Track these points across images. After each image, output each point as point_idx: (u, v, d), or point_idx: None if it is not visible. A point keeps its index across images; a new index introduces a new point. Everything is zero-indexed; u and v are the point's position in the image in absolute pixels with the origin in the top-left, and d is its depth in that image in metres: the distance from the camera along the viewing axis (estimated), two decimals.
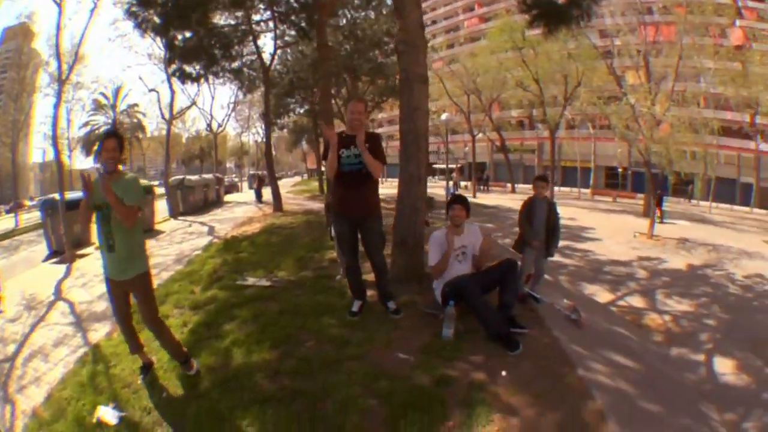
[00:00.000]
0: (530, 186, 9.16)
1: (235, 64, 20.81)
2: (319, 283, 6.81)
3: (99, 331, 6.20)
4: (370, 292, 5.66)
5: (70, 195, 13.44)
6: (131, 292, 4.16)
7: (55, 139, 14.34)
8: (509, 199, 31.03)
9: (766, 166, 39.02)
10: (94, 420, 3.96)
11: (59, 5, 12.74)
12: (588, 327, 5.59)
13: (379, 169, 4.81)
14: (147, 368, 4.47)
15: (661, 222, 21.57)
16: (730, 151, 39.66)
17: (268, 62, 20.07)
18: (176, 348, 4.38)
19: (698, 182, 41.86)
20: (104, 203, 3.77)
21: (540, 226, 6.38)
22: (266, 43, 49.07)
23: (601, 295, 9.23)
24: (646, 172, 25.38)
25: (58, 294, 8.88)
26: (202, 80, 20.66)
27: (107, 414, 3.98)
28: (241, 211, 18.19)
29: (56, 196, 13.75)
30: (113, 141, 3.85)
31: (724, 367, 6.10)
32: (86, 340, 6.09)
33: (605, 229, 19.19)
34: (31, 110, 36.24)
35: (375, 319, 5.12)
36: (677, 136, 21.08)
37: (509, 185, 44.48)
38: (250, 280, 7.03)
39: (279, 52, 21.73)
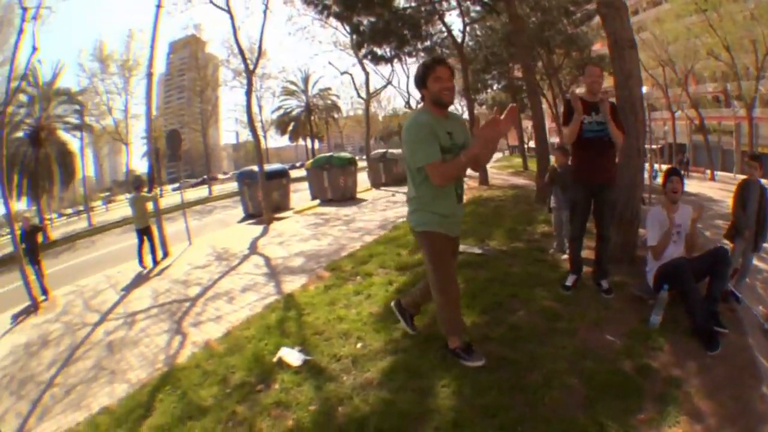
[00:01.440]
0: (730, 174, 7.73)
1: (426, 44, 20.55)
2: (531, 255, 6.45)
3: (293, 283, 6.37)
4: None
5: (268, 167, 14.95)
6: (454, 246, 3.65)
7: (251, 122, 15.40)
8: (708, 187, 27.57)
9: None
10: (274, 359, 3.98)
11: (230, 12, 13.93)
12: None
13: (621, 137, 4.55)
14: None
15: None
16: None
17: (459, 39, 19.58)
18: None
19: None
20: (455, 145, 3.16)
21: (751, 213, 5.44)
22: (453, 21, 49.03)
23: None
24: None
25: (253, 249, 9.52)
26: (395, 61, 20.84)
27: (290, 355, 3.96)
28: None
29: (254, 168, 15.69)
30: (446, 69, 3.12)
31: None
32: (278, 289, 6.30)
33: None
34: (218, 101, 40.62)
35: (586, 296, 4.75)
36: None
37: (708, 171, 39.17)
38: (461, 247, 6.82)
39: (468, 28, 21.20)
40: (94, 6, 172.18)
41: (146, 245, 10.30)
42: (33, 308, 9.33)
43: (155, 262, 10.24)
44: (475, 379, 3.20)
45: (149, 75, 12.22)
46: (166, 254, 11.05)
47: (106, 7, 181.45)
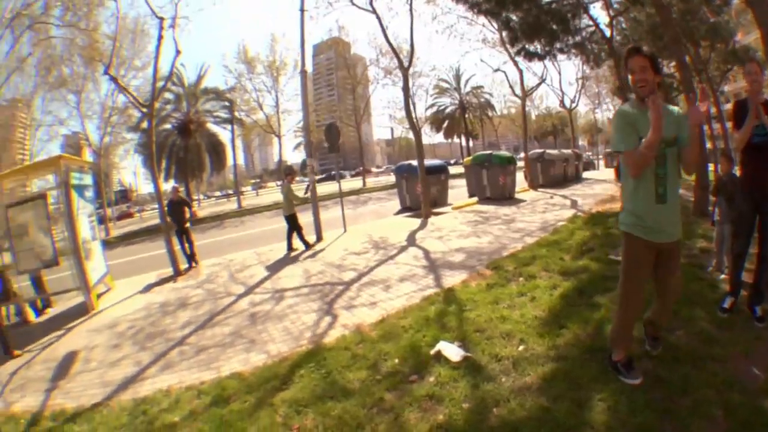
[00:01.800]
0: None
1: (576, 39, 19.49)
2: (690, 271, 5.86)
3: (453, 278, 6.30)
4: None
5: (427, 162, 15.01)
6: (663, 258, 3.14)
7: (410, 118, 15.46)
8: None
9: None
10: (432, 352, 3.93)
11: (375, 12, 14.19)
12: None
13: None
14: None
15: None
16: None
17: (607, 33, 18.25)
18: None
19: None
20: (671, 139, 2.89)
21: None
22: (599, 14, 46.20)
23: None
24: None
25: (411, 241, 9.59)
26: (548, 57, 19.88)
27: (449, 349, 3.88)
28: (600, 189, 17.27)
29: (413, 162, 15.88)
30: (641, 59, 2.86)
31: None
32: (438, 282, 6.25)
33: None
34: (369, 98, 41.91)
35: (741, 322, 4.31)
36: None
37: None
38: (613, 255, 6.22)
39: (614, 21, 19.70)
40: (236, 13, 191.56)
41: (296, 231, 10.69)
42: (174, 274, 10.20)
43: (307, 246, 10.63)
44: (631, 397, 3.04)
45: (303, 72, 12.85)
46: (319, 239, 11.46)
47: (248, 13, 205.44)
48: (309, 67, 37.95)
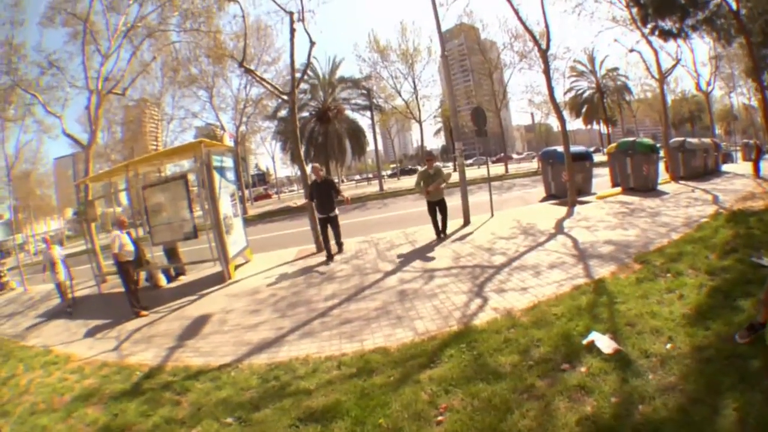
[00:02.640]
0: None
1: (705, 13, 17.66)
2: None
3: (602, 269, 6.20)
4: None
5: (573, 148, 14.28)
6: None
7: (553, 102, 15.01)
8: None
9: None
10: (585, 342, 3.93)
11: None
12: None
13: None
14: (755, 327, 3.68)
15: None
16: None
17: (733, 6, 16.19)
18: None
19: None
20: None
21: None
22: None
23: None
24: None
25: (558, 229, 9.46)
26: (681, 36, 18.31)
27: (601, 341, 3.88)
28: (740, 184, 15.87)
29: (558, 148, 15.55)
30: None
31: None
32: (587, 272, 6.18)
33: None
34: (506, 83, 40.84)
35: None
36: None
37: None
38: (766, 261, 5.93)
39: None
40: (363, 3, 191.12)
41: (439, 215, 10.66)
42: (316, 249, 11.06)
43: (443, 234, 10.61)
44: (763, 411, 2.84)
45: (444, 57, 12.89)
46: (466, 222, 11.61)
47: (376, 3, 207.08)
48: (439, 53, 38.03)
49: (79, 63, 19.17)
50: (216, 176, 10.11)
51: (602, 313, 4.58)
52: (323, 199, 10.16)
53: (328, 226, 10.17)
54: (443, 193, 10.45)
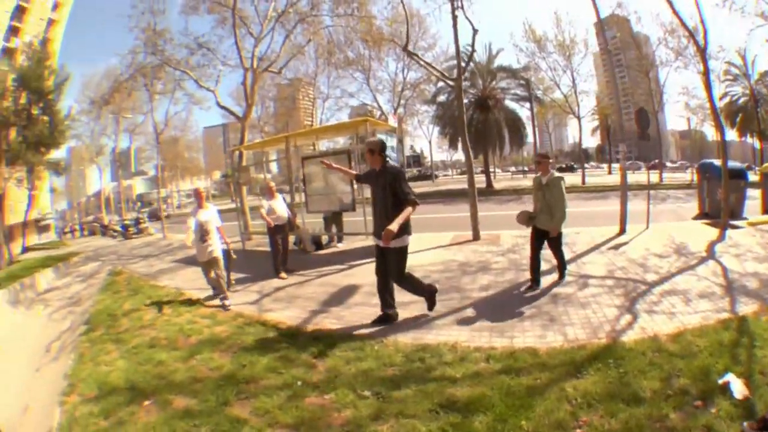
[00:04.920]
0: None
1: None
2: None
3: (746, 306, 5.82)
4: None
5: (730, 164, 12.92)
6: None
7: (713, 108, 14.06)
8: None
9: None
10: (720, 381, 3.84)
11: None
12: None
13: None
14: None
15: None
16: None
17: None
18: None
19: None
20: None
21: None
22: None
23: None
24: None
25: (710, 253, 8.88)
26: None
27: (735, 384, 3.77)
28: None
29: (715, 161, 14.10)
30: None
31: None
32: (732, 306, 5.84)
33: None
34: (662, 83, 37.69)
35: None
36: None
37: None
38: None
39: None
40: None
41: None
42: (472, 237, 11.33)
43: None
44: None
45: (605, 49, 12.36)
46: (621, 231, 11.27)
47: None
48: (594, 47, 36.24)
49: (230, 44, 20.90)
50: None
51: (741, 354, 4.40)
52: None
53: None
54: (557, 220, 6.95)
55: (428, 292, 6.23)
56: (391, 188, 5.66)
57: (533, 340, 5.02)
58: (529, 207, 7.51)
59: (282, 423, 3.95)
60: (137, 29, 19.49)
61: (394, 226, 5.29)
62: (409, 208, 5.57)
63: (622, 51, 65.60)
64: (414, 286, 6.16)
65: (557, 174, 7.01)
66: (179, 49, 20.03)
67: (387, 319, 6.12)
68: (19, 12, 60.11)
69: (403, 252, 5.86)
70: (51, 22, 63.88)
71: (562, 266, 7.41)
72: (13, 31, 58.96)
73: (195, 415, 4.29)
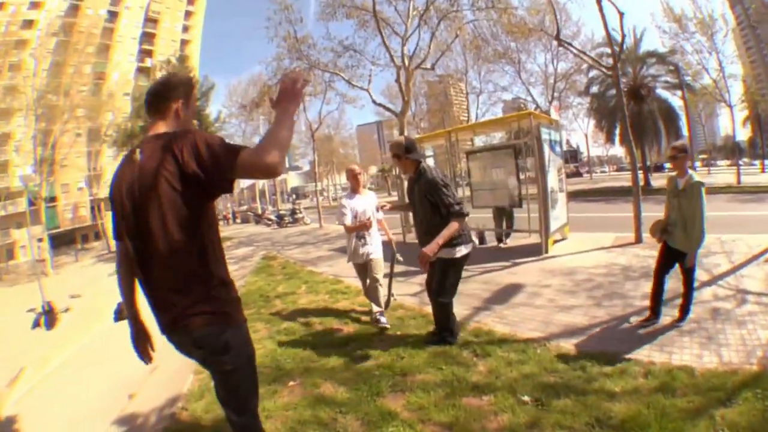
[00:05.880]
0: None
1: None
2: None
3: None
4: None
5: None
6: None
7: None
8: None
9: None
10: None
11: None
12: None
13: None
14: None
15: None
16: None
17: None
18: None
19: None
20: None
21: None
22: None
23: None
24: None
25: None
26: None
27: None
28: None
29: None
30: None
31: None
32: None
33: None
34: None
35: None
36: None
37: None
38: None
39: None
40: None
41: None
42: (635, 239, 10.87)
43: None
44: None
45: (746, 23, 11.29)
46: None
47: None
48: (733, 23, 32.37)
49: (376, 45, 21.60)
50: (545, 149, 10.83)
51: None
52: None
53: None
54: (695, 241, 5.44)
55: (448, 330, 5.55)
56: (429, 199, 4.93)
57: (690, 358, 4.75)
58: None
59: (435, 421, 3.91)
60: (277, 38, 21.14)
61: (431, 248, 4.66)
62: (454, 224, 4.76)
63: (759, 24, 56.62)
64: (445, 314, 5.49)
65: (697, 178, 5.40)
66: (324, 53, 21.48)
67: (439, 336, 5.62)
68: (147, 37, 66.59)
69: (449, 264, 5.15)
70: (184, 42, 70.97)
71: (687, 301, 5.82)
72: (144, 53, 66.12)
73: (342, 402, 4.37)
